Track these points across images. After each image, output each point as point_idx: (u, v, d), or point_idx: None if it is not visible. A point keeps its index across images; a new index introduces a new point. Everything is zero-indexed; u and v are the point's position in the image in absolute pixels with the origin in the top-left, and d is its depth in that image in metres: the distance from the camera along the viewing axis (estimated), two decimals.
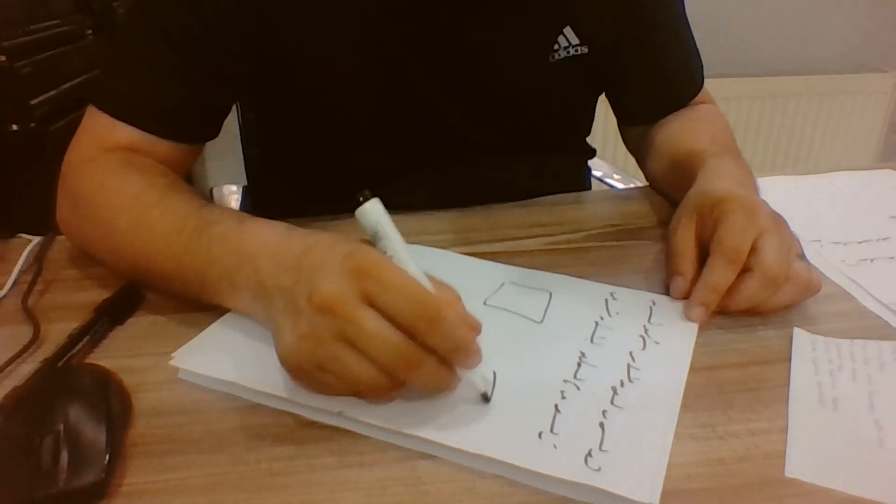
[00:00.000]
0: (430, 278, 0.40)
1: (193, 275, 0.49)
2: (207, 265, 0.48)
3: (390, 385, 0.39)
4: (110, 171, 0.57)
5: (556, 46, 0.68)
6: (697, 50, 0.77)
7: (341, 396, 0.41)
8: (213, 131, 0.67)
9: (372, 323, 0.37)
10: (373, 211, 0.40)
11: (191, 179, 0.58)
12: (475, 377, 0.41)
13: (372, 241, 0.41)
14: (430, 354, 0.38)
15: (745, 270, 0.49)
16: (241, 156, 1.06)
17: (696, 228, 0.54)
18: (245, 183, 1.08)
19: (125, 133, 0.60)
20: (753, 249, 0.49)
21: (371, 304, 0.38)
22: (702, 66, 0.78)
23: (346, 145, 0.71)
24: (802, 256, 0.53)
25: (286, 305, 0.41)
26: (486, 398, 0.41)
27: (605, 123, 0.86)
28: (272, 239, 0.46)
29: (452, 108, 0.69)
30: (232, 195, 1.12)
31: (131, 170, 0.57)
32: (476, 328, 0.40)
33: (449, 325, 0.38)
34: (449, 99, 0.69)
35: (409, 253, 0.40)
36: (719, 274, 0.49)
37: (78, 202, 0.58)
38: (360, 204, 0.40)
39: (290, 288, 0.41)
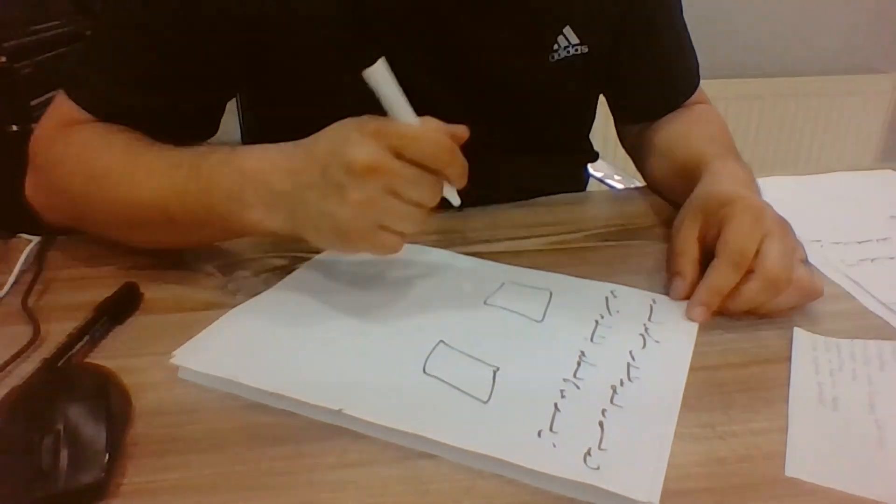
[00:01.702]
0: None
1: (198, 204, 0.51)
2: (212, 190, 0.50)
3: (426, 216, 0.48)
4: (95, 135, 0.58)
5: (555, 46, 0.68)
6: (693, 49, 0.77)
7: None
8: (194, 134, 0.65)
9: (410, 171, 0.45)
10: (378, 71, 0.46)
11: None
12: (450, 192, 0.50)
13: (378, 97, 0.47)
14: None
15: (748, 273, 0.49)
16: None
17: (700, 229, 0.54)
18: None
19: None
20: (757, 252, 0.49)
21: (399, 157, 0.45)
22: (698, 66, 0.78)
23: None
24: (806, 261, 0.53)
25: (325, 190, 0.45)
26: (459, 207, 0.51)
27: (605, 124, 0.86)
28: (268, 156, 0.49)
29: (452, 107, 0.69)
30: None
31: (115, 131, 0.58)
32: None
33: (459, 158, 0.47)
34: (448, 98, 0.68)
35: (407, 103, 0.47)
36: (723, 276, 0.49)
37: (58, 168, 0.58)
38: (368, 65, 0.45)
39: (319, 178, 0.46)
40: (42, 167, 0.60)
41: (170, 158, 0.53)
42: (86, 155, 0.57)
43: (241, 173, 0.49)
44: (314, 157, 0.47)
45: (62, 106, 0.61)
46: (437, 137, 0.46)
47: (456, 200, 0.51)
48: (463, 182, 0.49)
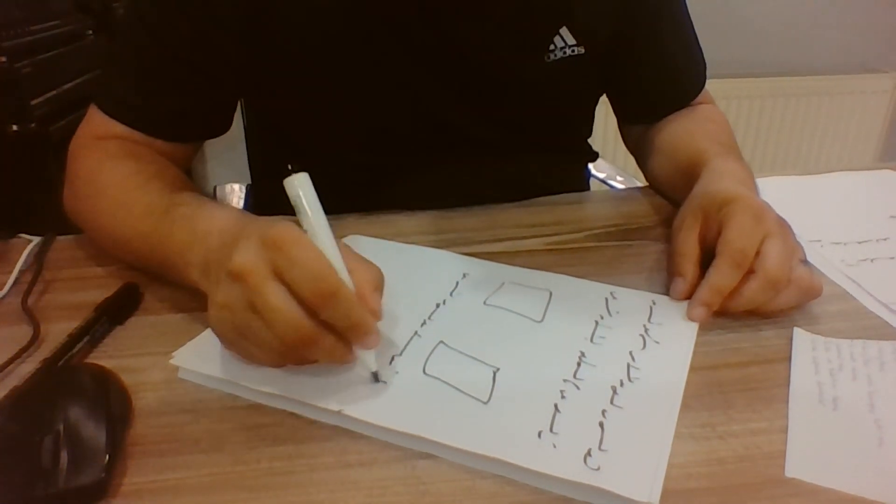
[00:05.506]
0: (358, 258, 0.43)
1: (158, 253, 0.52)
2: (168, 243, 0.51)
3: (296, 357, 0.41)
4: (107, 156, 0.61)
5: (552, 47, 0.68)
6: (700, 49, 0.77)
7: (330, 391, 0.41)
8: (213, 129, 0.69)
9: (275, 297, 0.38)
10: (293, 184, 0.41)
11: (193, 178, 0.60)
12: (366, 356, 0.42)
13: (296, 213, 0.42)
14: (326, 331, 0.40)
15: (748, 273, 0.49)
16: (245, 154, 1.06)
17: (700, 229, 0.54)
18: (249, 182, 1.08)
19: (121, 129, 0.63)
20: (757, 252, 0.49)
21: (279, 277, 0.39)
22: (705, 66, 0.78)
23: (344, 145, 0.71)
24: (805, 261, 0.53)
25: (216, 276, 0.43)
26: (375, 378, 0.42)
27: (605, 124, 0.86)
28: (222, 221, 0.48)
29: (450, 107, 0.69)
30: (234, 194, 1.12)
31: (125, 155, 0.61)
32: (377, 314, 0.41)
33: (345, 304, 0.39)
34: (446, 98, 0.69)
35: (328, 229, 0.41)
36: (724, 276, 0.49)
37: (76, 183, 0.62)
38: (288, 174, 0.41)
39: (221, 261, 0.43)
40: (68, 178, 0.63)
41: (148, 204, 0.54)
42: (93, 177, 0.60)
43: (193, 232, 0.49)
44: (233, 239, 0.43)
45: (94, 116, 0.64)
46: (323, 272, 0.38)
47: (372, 366, 0.42)
48: (354, 336, 0.40)
